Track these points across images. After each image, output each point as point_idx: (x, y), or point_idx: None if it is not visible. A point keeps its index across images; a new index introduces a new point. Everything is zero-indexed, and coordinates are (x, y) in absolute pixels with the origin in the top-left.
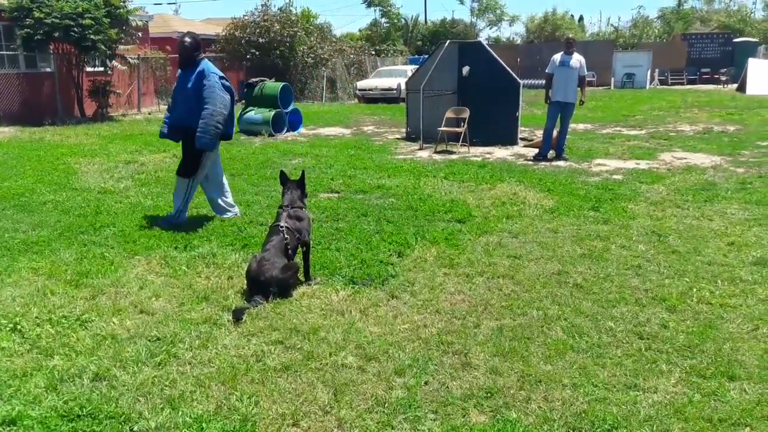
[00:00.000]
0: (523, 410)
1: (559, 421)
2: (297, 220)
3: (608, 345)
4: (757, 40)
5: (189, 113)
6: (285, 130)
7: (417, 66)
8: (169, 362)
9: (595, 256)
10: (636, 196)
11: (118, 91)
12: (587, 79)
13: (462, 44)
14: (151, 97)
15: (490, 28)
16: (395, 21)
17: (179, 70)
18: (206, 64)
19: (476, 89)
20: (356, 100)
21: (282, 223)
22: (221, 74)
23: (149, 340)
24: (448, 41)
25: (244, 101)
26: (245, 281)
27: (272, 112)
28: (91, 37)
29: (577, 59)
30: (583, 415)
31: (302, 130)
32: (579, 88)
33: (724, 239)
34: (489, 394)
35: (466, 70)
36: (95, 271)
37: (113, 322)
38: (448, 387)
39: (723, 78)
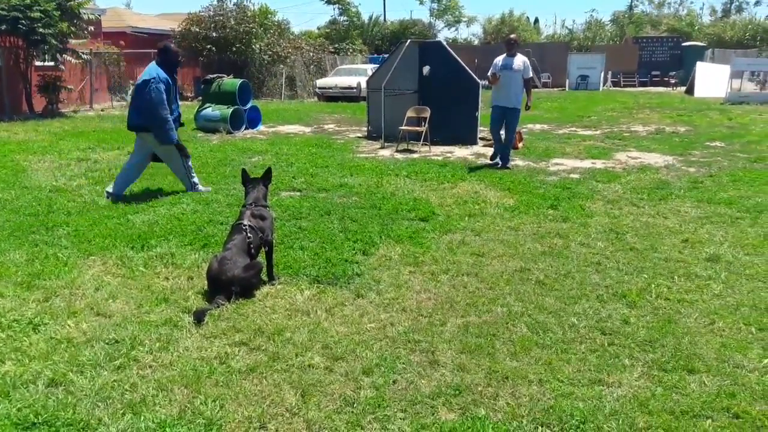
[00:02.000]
0: (491, 407)
1: (527, 417)
2: (260, 218)
3: (572, 341)
4: (704, 44)
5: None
6: (244, 128)
7: (377, 65)
8: (129, 366)
9: (555, 253)
10: (593, 195)
11: (69, 87)
12: (542, 80)
13: (423, 44)
14: (104, 93)
15: (449, 29)
16: (354, 19)
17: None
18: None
19: (436, 89)
20: (316, 99)
21: (245, 222)
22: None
23: (107, 344)
24: (409, 40)
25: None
26: (206, 281)
27: (230, 109)
28: (41, 30)
29: (520, 61)
30: (551, 410)
31: (261, 127)
32: (525, 92)
33: (678, 236)
34: (457, 392)
35: (426, 69)
36: (48, 272)
37: (68, 325)
38: (416, 385)
39: (672, 81)
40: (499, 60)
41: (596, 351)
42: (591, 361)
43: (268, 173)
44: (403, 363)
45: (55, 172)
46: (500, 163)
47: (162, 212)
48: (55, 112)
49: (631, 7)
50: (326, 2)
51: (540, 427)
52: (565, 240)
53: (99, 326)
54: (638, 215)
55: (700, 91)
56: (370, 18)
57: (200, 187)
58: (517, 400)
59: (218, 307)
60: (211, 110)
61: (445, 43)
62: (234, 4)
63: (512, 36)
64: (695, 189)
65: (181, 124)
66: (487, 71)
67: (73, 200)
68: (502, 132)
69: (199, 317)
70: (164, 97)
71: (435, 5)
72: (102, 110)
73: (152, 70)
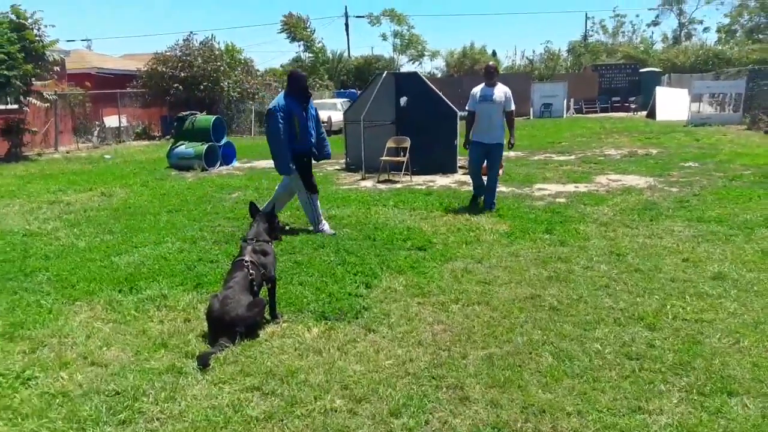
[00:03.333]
0: None
1: None
2: (262, 254)
3: (601, 368)
4: (660, 70)
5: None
6: (219, 164)
7: (345, 99)
8: (135, 419)
9: (561, 278)
10: (584, 218)
11: (33, 129)
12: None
13: (399, 75)
14: (69, 135)
15: (412, 63)
16: (319, 55)
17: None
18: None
19: (414, 119)
20: None
21: (246, 258)
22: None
23: (107, 396)
24: (386, 72)
25: (169, 136)
26: (206, 323)
27: (205, 146)
28: (4, 72)
29: (501, 91)
30: None
31: (236, 163)
32: (507, 127)
33: (678, 256)
34: (496, 429)
35: (404, 100)
36: (32, 321)
37: (61, 378)
38: (450, 425)
39: (633, 105)
40: (478, 90)
41: (628, 377)
42: (626, 388)
43: (272, 209)
44: (432, 401)
45: (27, 216)
46: (485, 208)
47: (146, 252)
48: (18, 155)
49: (585, 37)
50: (290, 40)
51: None
52: (567, 264)
53: (95, 377)
54: (634, 236)
55: (661, 115)
56: (335, 54)
57: (325, 228)
58: None
59: (223, 350)
60: (185, 147)
61: (420, 74)
62: (200, 43)
63: (491, 63)
64: (683, 208)
65: (324, 155)
66: (453, 103)
67: (50, 244)
68: (485, 177)
69: (204, 362)
70: (281, 126)
71: (397, 40)
72: (67, 152)
73: (277, 99)
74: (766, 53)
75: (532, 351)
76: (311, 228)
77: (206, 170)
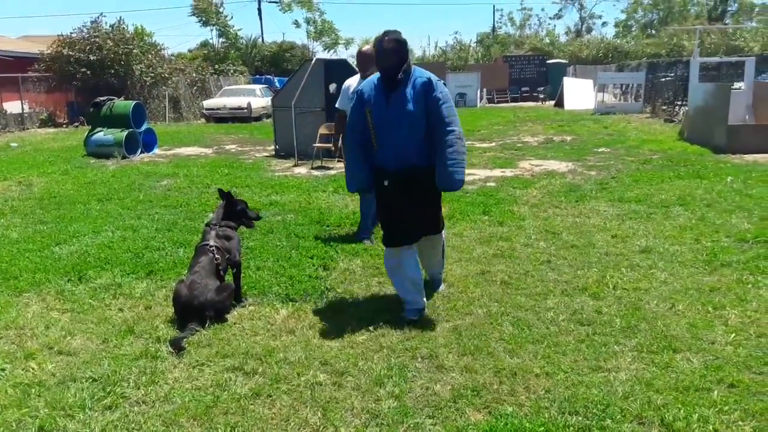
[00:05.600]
0: (513, 403)
1: (553, 408)
2: (226, 239)
3: (558, 333)
4: (566, 61)
5: (416, 146)
6: (140, 152)
7: (264, 85)
8: (120, 404)
9: (506, 255)
10: (516, 200)
11: None
12: None
13: (328, 62)
14: None
15: (327, 51)
16: (234, 41)
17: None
18: (420, 71)
19: None
20: (203, 120)
21: (211, 243)
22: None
23: (85, 383)
24: (315, 58)
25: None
26: (172, 309)
27: (124, 132)
28: None
29: None
30: (572, 399)
31: (157, 150)
32: None
33: (607, 233)
34: (475, 392)
35: (333, 87)
36: None
37: (31, 368)
38: (433, 390)
39: (541, 95)
40: (352, 84)
41: (584, 341)
42: (584, 350)
43: (228, 194)
44: (411, 371)
45: None
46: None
47: (87, 241)
48: None
49: (494, 29)
50: (202, 24)
51: (570, 416)
52: (509, 242)
53: (67, 365)
54: (564, 216)
55: (569, 104)
56: (250, 39)
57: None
58: (535, 393)
59: (193, 333)
60: (104, 134)
61: (350, 61)
62: (110, 26)
63: (366, 48)
64: (604, 190)
65: None
66: None
67: None
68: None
69: (177, 346)
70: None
71: (311, 27)
72: None
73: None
74: (660, 47)
75: (492, 321)
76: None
77: (127, 158)
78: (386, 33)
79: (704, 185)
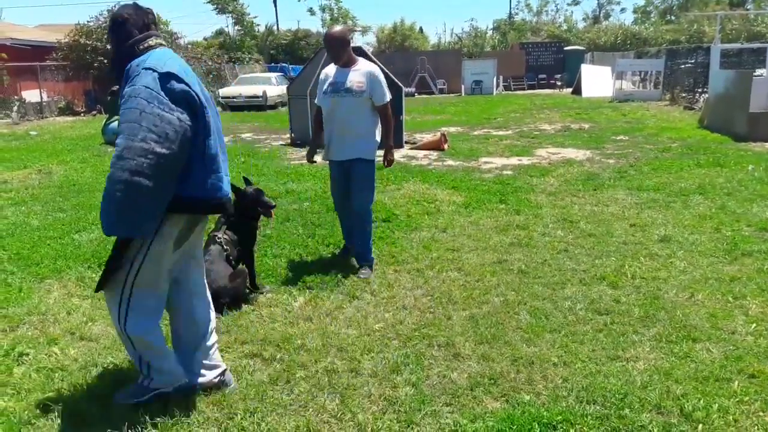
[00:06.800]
0: (531, 391)
1: (571, 397)
2: (236, 230)
3: (575, 323)
4: (583, 48)
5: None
6: None
7: (280, 74)
8: None
9: (523, 243)
10: (533, 189)
11: None
12: (439, 87)
13: None
14: None
15: None
16: (249, 29)
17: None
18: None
19: None
20: (219, 108)
21: (219, 234)
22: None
23: (107, 368)
24: None
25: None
26: None
27: None
28: None
29: (362, 73)
30: (590, 388)
31: None
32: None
33: (625, 222)
34: (492, 380)
35: None
36: (3, 300)
37: (54, 353)
38: (450, 378)
39: (558, 83)
40: (330, 73)
41: (602, 330)
42: (602, 340)
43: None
44: (428, 358)
45: None
46: (359, 261)
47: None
48: None
49: (511, 15)
50: (218, 12)
51: (588, 405)
52: (526, 231)
53: (89, 351)
54: (582, 205)
55: (587, 92)
56: (267, 27)
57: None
58: (552, 382)
59: None
60: None
61: (366, 48)
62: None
63: (335, 30)
64: (622, 178)
65: None
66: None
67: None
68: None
69: None
70: None
71: (326, 15)
72: None
73: None
74: (679, 33)
75: (509, 310)
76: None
77: None
78: None
79: (725, 174)
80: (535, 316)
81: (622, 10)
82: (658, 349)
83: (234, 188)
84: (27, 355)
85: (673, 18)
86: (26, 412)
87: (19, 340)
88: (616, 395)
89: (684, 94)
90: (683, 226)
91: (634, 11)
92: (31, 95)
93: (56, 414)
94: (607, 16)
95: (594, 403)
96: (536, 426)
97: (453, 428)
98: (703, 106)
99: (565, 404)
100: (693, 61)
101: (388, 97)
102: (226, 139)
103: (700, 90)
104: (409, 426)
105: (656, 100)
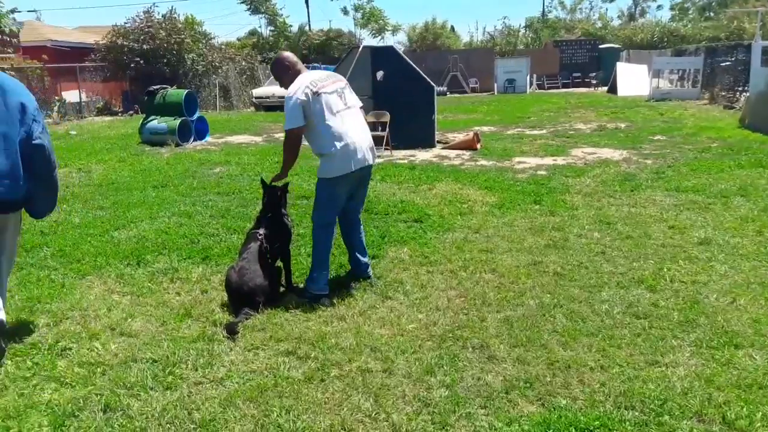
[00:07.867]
0: (567, 396)
1: (608, 402)
2: (276, 227)
3: (613, 327)
4: (619, 46)
5: None
6: (192, 139)
7: None
8: (179, 385)
9: (559, 245)
10: (568, 189)
11: None
12: (471, 86)
13: (375, 49)
14: None
15: (374, 38)
16: (282, 29)
17: None
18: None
19: (391, 93)
20: (253, 108)
21: (260, 231)
22: None
23: (146, 363)
24: (362, 45)
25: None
26: (225, 294)
27: (177, 121)
28: None
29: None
30: (628, 393)
31: (209, 138)
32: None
33: (664, 224)
34: (528, 384)
35: (380, 74)
36: (47, 295)
37: (96, 348)
38: (485, 381)
39: (593, 81)
40: (315, 81)
41: (640, 335)
42: (640, 344)
43: (284, 184)
44: (462, 360)
45: None
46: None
47: (145, 227)
48: None
49: (544, 13)
50: (251, 12)
51: (626, 410)
52: (561, 233)
53: (129, 346)
54: (619, 206)
55: (623, 90)
56: (299, 27)
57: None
58: (590, 387)
59: (248, 318)
60: (157, 122)
61: (397, 48)
62: (162, 16)
63: (284, 56)
64: (660, 179)
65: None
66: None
67: (42, 220)
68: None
69: (232, 330)
70: None
71: (359, 14)
72: None
73: None
74: (719, 30)
75: (545, 313)
76: None
77: (180, 145)
78: None
79: (767, 175)
80: (571, 319)
81: (659, 7)
82: (698, 354)
83: (263, 183)
84: (70, 349)
85: (712, 14)
86: (70, 405)
87: (63, 335)
88: (655, 401)
89: (723, 93)
90: (724, 228)
91: (672, 8)
92: (71, 95)
93: (98, 408)
94: (643, 14)
95: (632, 409)
96: (573, 431)
97: (488, 431)
98: (744, 104)
99: (602, 409)
100: (733, 58)
101: (288, 125)
102: (259, 139)
103: (740, 88)
104: (443, 428)
105: (695, 99)
